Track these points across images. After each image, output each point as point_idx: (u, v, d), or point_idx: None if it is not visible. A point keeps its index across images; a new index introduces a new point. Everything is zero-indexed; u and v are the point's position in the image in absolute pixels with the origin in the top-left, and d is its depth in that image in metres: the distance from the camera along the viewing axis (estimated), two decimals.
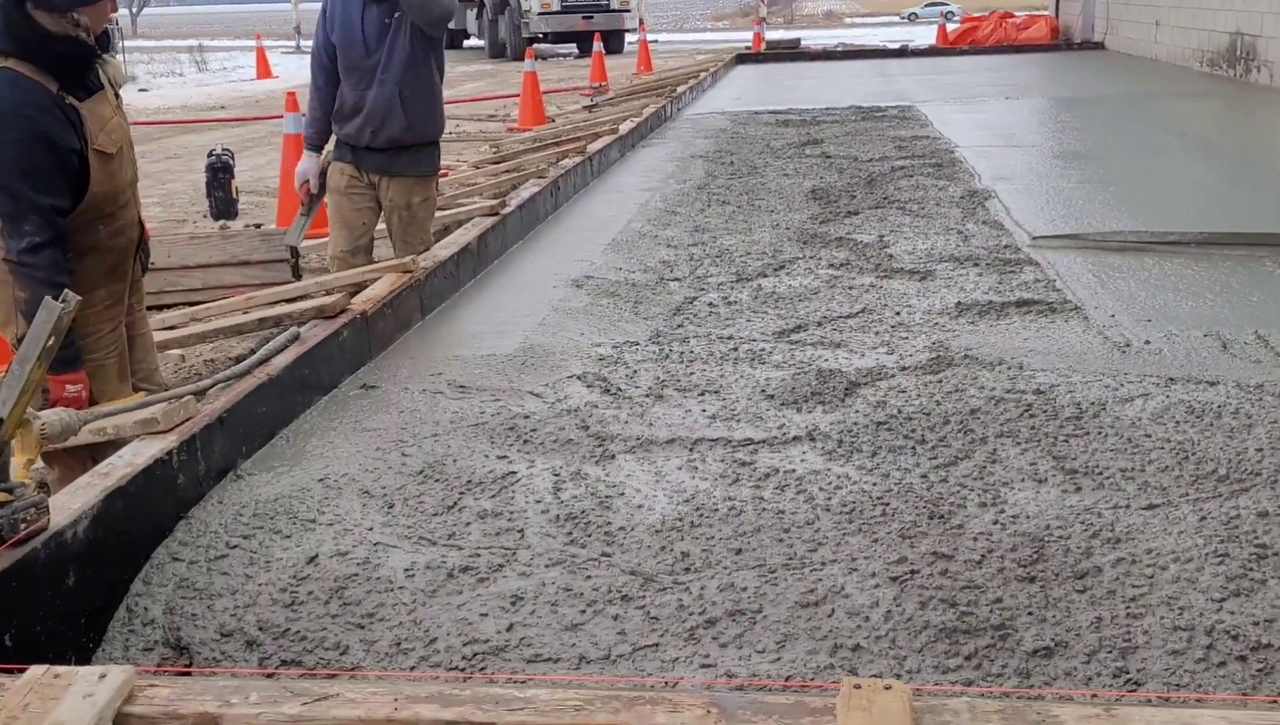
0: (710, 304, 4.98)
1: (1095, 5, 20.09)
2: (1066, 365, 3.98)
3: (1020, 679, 2.30)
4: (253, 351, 3.92)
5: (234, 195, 9.50)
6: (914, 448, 3.31)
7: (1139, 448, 3.24)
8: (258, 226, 8.28)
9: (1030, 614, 2.48)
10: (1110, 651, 2.36)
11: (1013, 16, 22.77)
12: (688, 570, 2.70)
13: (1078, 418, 3.46)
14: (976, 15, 23.98)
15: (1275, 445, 3.21)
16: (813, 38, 34.94)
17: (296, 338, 3.92)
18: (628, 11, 27.33)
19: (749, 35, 28.43)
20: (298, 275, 5.77)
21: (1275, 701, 2.12)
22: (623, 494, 3.09)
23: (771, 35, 29.27)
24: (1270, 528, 2.76)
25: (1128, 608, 2.49)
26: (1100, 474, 3.08)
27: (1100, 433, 3.35)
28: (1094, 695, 2.23)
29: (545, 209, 6.99)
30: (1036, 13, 23.64)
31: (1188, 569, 2.61)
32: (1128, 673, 2.30)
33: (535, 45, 27.01)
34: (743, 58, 20.76)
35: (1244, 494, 2.94)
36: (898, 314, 4.70)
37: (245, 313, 4.53)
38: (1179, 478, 3.05)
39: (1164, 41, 16.39)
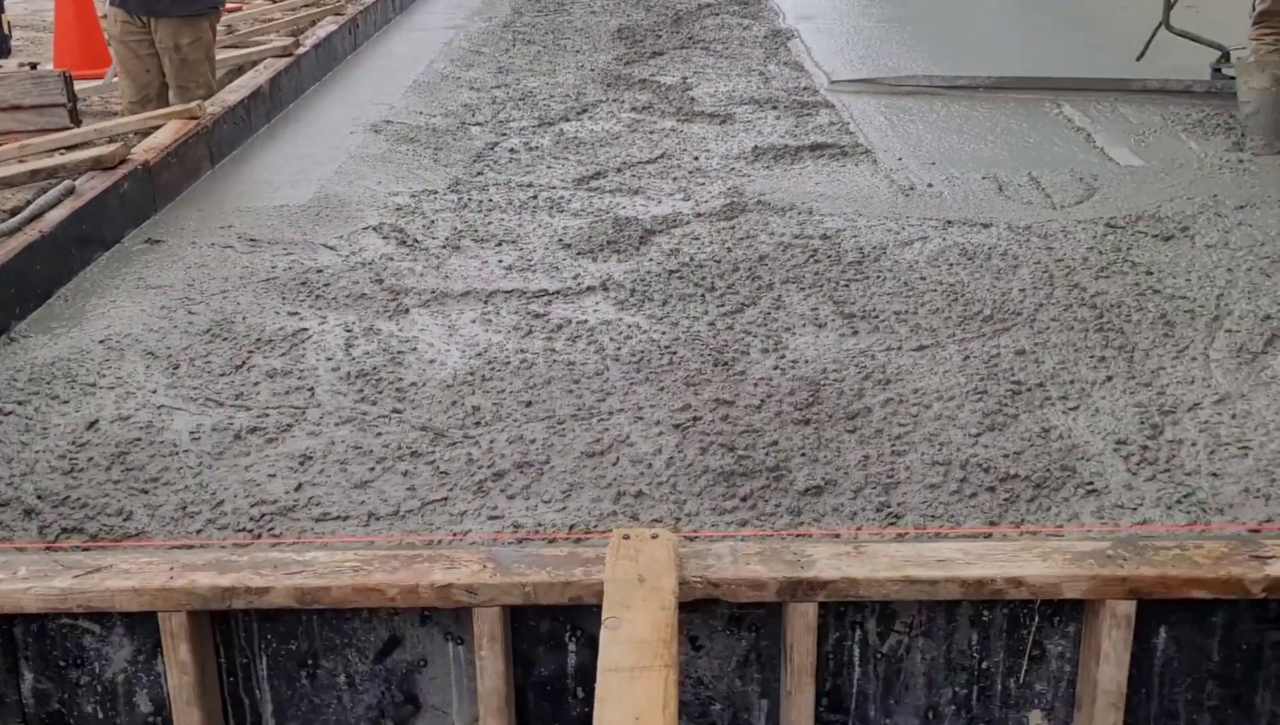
0: (511, 150, 4.94)
1: None
2: (854, 210, 4.11)
3: (791, 517, 2.43)
4: (27, 205, 3.75)
5: (5, 30, 8.86)
6: (703, 295, 3.40)
7: (914, 291, 3.39)
8: (32, 66, 7.77)
9: (804, 455, 2.62)
10: (875, 488, 2.51)
11: None
12: (478, 424, 2.75)
13: (859, 262, 3.59)
14: None
15: (1037, 285, 3.40)
16: None
17: (71, 191, 3.76)
18: None
19: None
20: (76, 121, 5.48)
21: (1011, 531, 2.30)
22: (415, 349, 3.10)
23: None
24: (1026, 365, 2.95)
25: (893, 445, 2.64)
26: (876, 317, 3.23)
27: (879, 277, 3.49)
28: (859, 530, 2.38)
29: (344, 48, 6.75)
30: None
31: (949, 407, 2.78)
32: (889, 507, 2.46)
33: None
34: None
35: (1005, 333, 3.12)
36: (696, 159, 4.75)
37: (19, 162, 4.30)
38: (948, 319, 3.21)
39: None
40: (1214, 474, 2.49)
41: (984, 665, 1.98)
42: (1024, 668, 1.96)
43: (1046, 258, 3.57)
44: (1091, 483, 2.48)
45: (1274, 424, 2.64)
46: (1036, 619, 1.92)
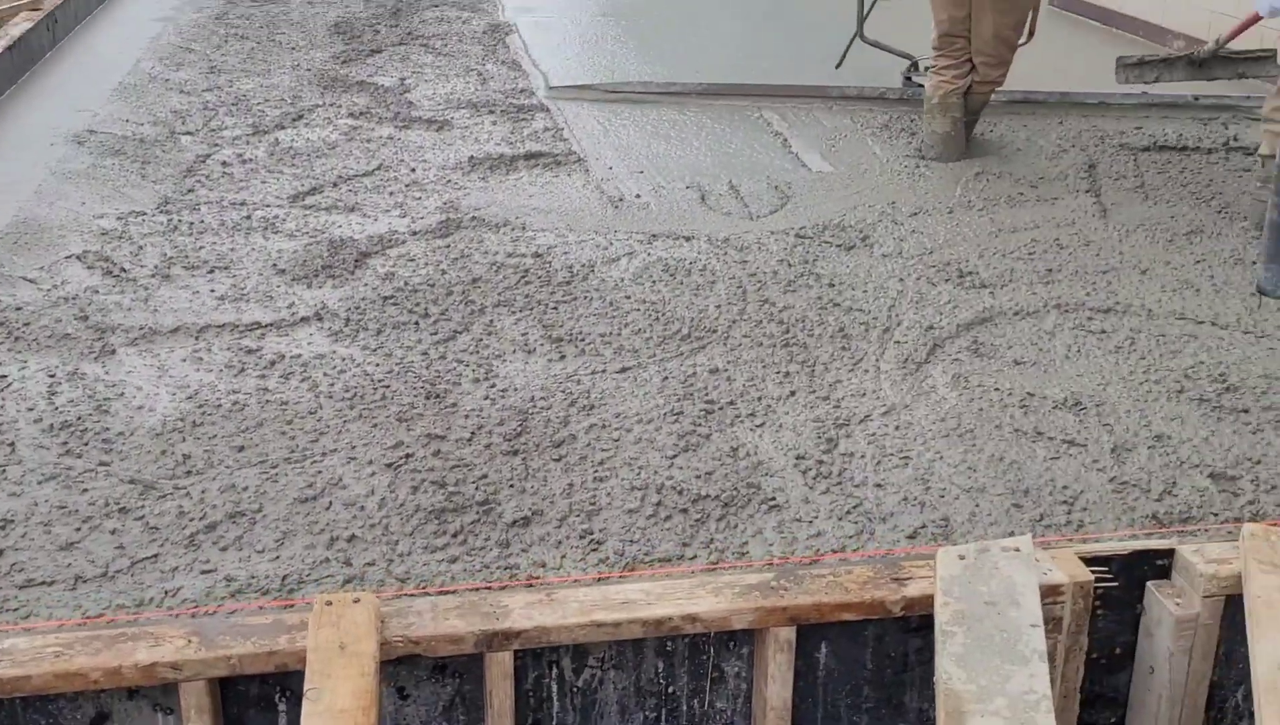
0: (224, 163, 4.87)
1: None
2: (565, 224, 4.27)
3: (501, 549, 2.57)
4: None
5: None
6: (418, 322, 3.49)
7: (619, 310, 3.58)
8: None
9: (512, 486, 2.76)
10: (579, 515, 2.68)
11: None
12: (189, 473, 2.77)
13: (568, 282, 3.76)
14: None
15: (732, 301, 3.64)
16: None
17: None
18: None
19: None
20: None
21: (705, 570, 2.51)
22: (123, 394, 3.08)
23: None
24: (719, 383, 3.18)
25: (595, 472, 2.81)
26: (583, 340, 3.40)
27: (587, 297, 3.66)
28: (563, 558, 2.54)
29: (41, 46, 6.44)
30: None
31: (648, 430, 2.98)
32: (592, 534, 2.63)
33: None
34: None
35: (701, 351, 3.34)
36: (413, 171, 4.81)
37: None
38: (649, 339, 3.41)
39: None
40: (878, 485, 2.77)
41: (671, 690, 2.18)
42: (706, 690, 2.17)
43: (741, 272, 3.82)
44: (774, 498, 2.72)
45: (931, 433, 2.95)
46: (713, 647, 2.13)
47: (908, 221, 4.25)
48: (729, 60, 6.52)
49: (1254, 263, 3.76)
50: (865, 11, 5.77)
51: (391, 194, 4.56)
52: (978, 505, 2.67)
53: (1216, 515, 2.64)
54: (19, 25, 6.37)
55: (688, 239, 4.13)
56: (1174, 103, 5.55)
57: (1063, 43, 6.82)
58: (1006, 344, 3.37)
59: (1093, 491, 2.71)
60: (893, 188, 4.62)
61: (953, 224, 4.25)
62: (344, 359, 3.28)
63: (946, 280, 3.76)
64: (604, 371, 3.24)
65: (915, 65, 5.59)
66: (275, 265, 3.89)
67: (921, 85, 5.22)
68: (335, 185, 4.65)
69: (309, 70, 6.27)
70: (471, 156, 4.97)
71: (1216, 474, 2.78)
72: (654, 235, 4.16)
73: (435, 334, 3.42)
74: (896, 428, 2.98)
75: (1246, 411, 3.01)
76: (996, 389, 3.12)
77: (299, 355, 3.30)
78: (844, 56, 5.93)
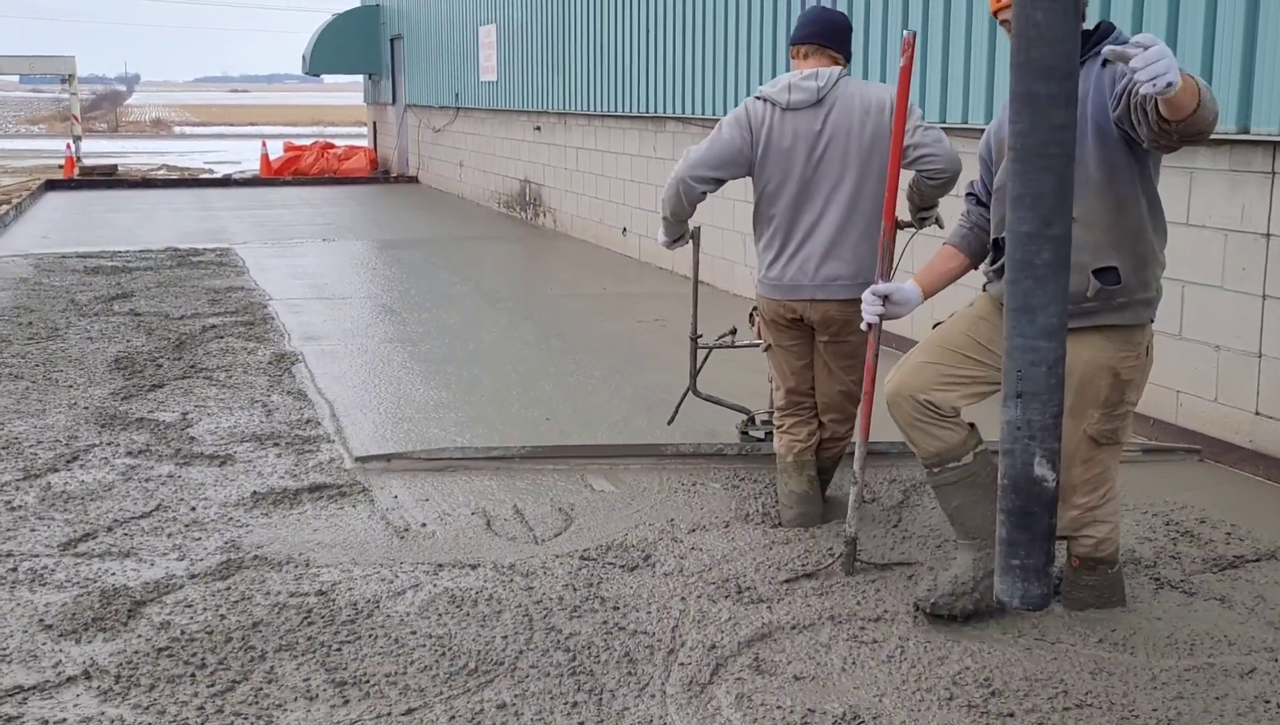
0: None
1: (408, 143, 21.41)
2: (350, 557, 4.26)
3: None
4: None
5: None
6: (194, 674, 3.38)
7: (404, 647, 3.55)
8: None
9: None
10: None
11: (334, 147, 23.58)
12: None
13: (353, 620, 3.72)
14: (300, 144, 24.52)
15: (519, 629, 3.67)
16: (138, 152, 33.79)
17: None
18: None
19: (65, 145, 26.88)
20: None
21: None
22: None
23: (92, 147, 27.95)
24: (507, 719, 3.15)
25: None
26: (367, 682, 3.34)
27: (372, 635, 3.63)
28: None
29: None
30: (356, 144, 24.67)
31: None
32: None
33: None
34: (54, 184, 19.63)
35: (489, 686, 3.33)
36: (193, 509, 4.75)
37: None
38: (435, 676, 3.38)
39: (468, 181, 17.83)
40: None
41: None
42: None
43: (527, 600, 3.87)
44: None
45: None
46: None
47: (687, 538, 4.39)
48: (535, 399, 6.71)
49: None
50: (698, 366, 5.49)
51: (170, 536, 4.48)
52: None
53: None
54: None
55: (474, 567, 4.16)
56: None
57: None
58: (786, 659, 3.47)
59: None
60: (670, 504, 4.79)
61: (729, 538, 4.42)
62: (112, 721, 3.14)
63: (726, 596, 3.88)
64: (389, 714, 3.18)
65: (752, 419, 5.36)
66: (42, 620, 3.73)
67: (759, 439, 5.18)
68: (110, 529, 4.54)
69: (86, 408, 6.19)
70: (255, 492, 4.94)
71: None
72: (440, 565, 4.19)
73: (212, 686, 3.32)
74: None
75: (1012, 715, 3.16)
76: (779, 707, 3.19)
77: (64, 719, 3.14)
78: (676, 412, 5.55)
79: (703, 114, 10.07)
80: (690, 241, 4.85)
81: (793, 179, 4.35)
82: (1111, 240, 3.49)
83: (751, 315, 4.82)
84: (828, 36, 4.40)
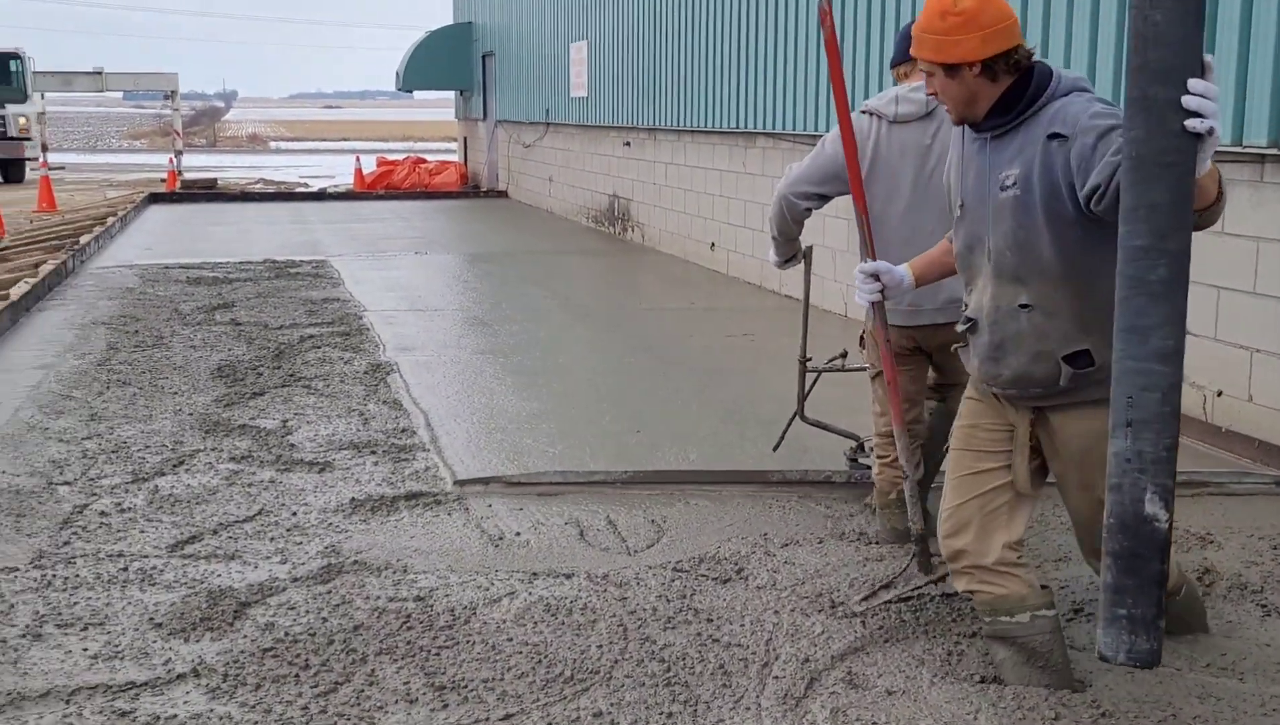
0: (102, 513, 4.86)
1: (498, 158, 21.66)
2: (446, 564, 4.33)
3: None
4: None
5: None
6: (298, 675, 3.47)
7: (501, 654, 3.61)
8: None
9: None
10: None
11: (425, 162, 23.94)
12: None
13: (450, 626, 3.79)
14: (392, 159, 24.93)
15: (614, 639, 3.70)
16: (235, 166, 34.58)
17: None
18: (28, 139, 25.60)
19: (167, 159, 27.66)
20: None
21: None
22: None
23: (191, 162, 28.69)
24: None
25: None
26: (465, 687, 3.40)
27: (469, 640, 3.69)
28: None
29: None
30: (447, 159, 25.02)
31: None
32: None
33: None
34: (157, 197, 20.17)
35: (584, 694, 3.37)
36: (294, 514, 4.86)
37: None
38: (532, 683, 3.43)
39: (556, 196, 17.99)
40: None
41: None
42: None
43: (621, 610, 3.90)
44: None
45: None
46: None
47: (780, 553, 4.40)
48: (627, 415, 6.75)
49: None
50: (806, 390, 5.20)
51: (272, 539, 4.59)
52: None
53: None
54: None
55: (568, 576, 4.21)
56: None
57: None
58: (878, 674, 3.47)
59: None
60: (764, 519, 4.80)
61: (823, 554, 4.41)
62: (220, 718, 3.23)
63: (819, 611, 3.88)
64: (487, 719, 3.23)
65: (861, 446, 5.16)
66: (152, 619, 3.85)
67: (868, 467, 4.91)
68: (215, 532, 4.67)
69: (191, 415, 6.36)
70: (353, 498, 5.04)
71: None
72: (534, 574, 4.24)
73: (315, 687, 3.40)
74: None
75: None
76: (873, 722, 3.19)
77: (174, 715, 3.25)
78: (782, 438, 5.29)
79: (794, 129, 10.07)
80: (802, 261, 4.73)
81: (902, 195, 4.24)
82: (1078, 326, 3.15)
83: (861, 338, 4.57)
84: None
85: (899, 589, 3.84)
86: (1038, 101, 3.12)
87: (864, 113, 4.33)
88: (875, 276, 3.60)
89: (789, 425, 5.25)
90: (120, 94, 53.10)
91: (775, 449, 5.30)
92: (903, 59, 4.30)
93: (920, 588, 3.85)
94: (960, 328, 3.41)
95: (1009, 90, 3.13)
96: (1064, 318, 3.15)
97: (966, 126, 3.29)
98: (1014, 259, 3.18)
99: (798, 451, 5.28)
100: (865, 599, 3.86)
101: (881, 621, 3.78)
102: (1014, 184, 3.13)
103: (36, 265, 11.23)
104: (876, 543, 4.50)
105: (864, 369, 4.61)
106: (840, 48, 3.77)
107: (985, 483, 3.36)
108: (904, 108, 4.23)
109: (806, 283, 5.03)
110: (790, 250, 4.61)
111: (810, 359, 5.11)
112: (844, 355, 5.22)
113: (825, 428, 5.24)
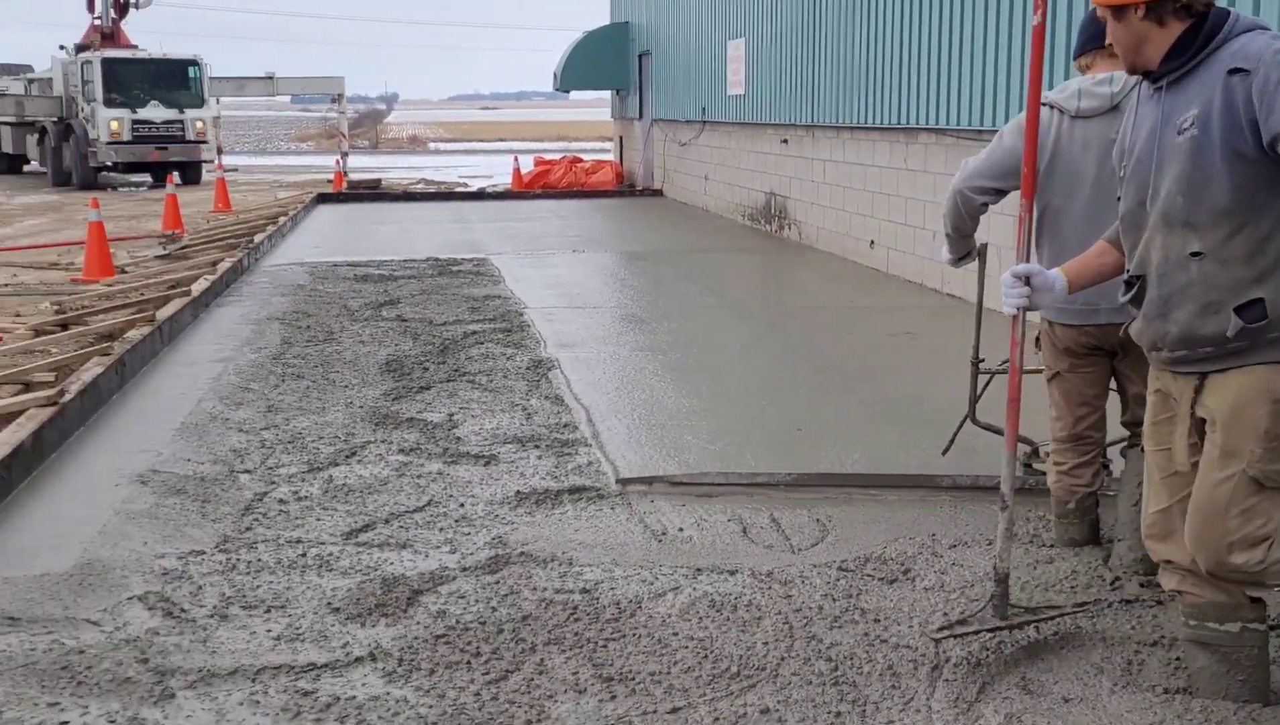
0: (280, 500, 5.05)
1: (654, 156, 21.77)
2: (610, 558, 4.37)
3: None
4: None
5: None
6: (469, 662, 3.55)
7: (667, 648, 3.63)
8: None
9: None
10: None
11: (581, 161, 24.21)
12: None
13: (617, 619, 3.82)
14: (549, 158, 25.27)
15: (780, 637, 3.69)
16: (396, 167, 35.50)
17: None
18: (205, 142, 26.72)
19: (334, 160, 28.58)
20: None
21: None
22: None
23: (355, 162, 29.57)
24: (771, 724, 3.19)
25: None
26: (633, 679, 3.43)
27: (635, 634, 3.72)
28: None
29: (109, 388, 6.78)
30: (602, 158, 25.25)
31: None
32: None
33: (105, 174, 25.90)
34: (324, 197, 20.84)
35: (751, 691, 3.37)
36: (462, 506, 4.97)
37: None
38: (698, 678, 3.44)
39: (712, 194, 18.00)
40: None
41: None
42: None
43: (786, 608, 3.89)
44: None
45: None
46: None
47: (948, 553, 4.33)
48: (783, 413, 6.71)
49: None
50: (979, 392, 5.00)
51: (441, 530, 4.70)
52: None
53: None
54: (90, 370, 6.74)
55: (731, 573, 4.21)
56: None
57: None
58: (1053, 680, 3.38)
59: None
60: (931, 519, 4.72)
61: (991, 556, 4.32)
62: (398, 701, 3.32)
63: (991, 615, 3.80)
64: (655, 712, 3.26)
65: (1036, 452, 5.01)
66: (330, 603, 3.98)
67: (1042, 473, 4.68)
68: (387, 522, 4.80)
69: (361, 407, 6.55)
70: (518, 491, 5.13)
71: None
72: (698, 569, 4.25)
73: (487, 674, 3.47)
74: None
75: None
76: None
77: (354, 697, 3.35)
78: (952, 442, 5.16)
79: (958, 125, 9.88)
80: (976, 260, 4.58)
81: (1083, 193, 4.06)
82: (1254, 273, 2.97)
83: (1038, 339, 4.34)
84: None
85: (974, 627, 3.57)
86: (1214, 40, 3.01)
87: (1045, 105, 4.12)
88: (1026, 280, 3.40)
89: (959, 428, 5.11)
90: (288, 98, 54.98)
91: (945, 453, 5.17)
92: (1085, 49, 4.15)
93: (994, 630, 3.56)
94: (1122, 298, 3.26)
95: (1183, 35, 3.04)
96: (1237, 264, 2.98)
97: (1141, 90, 3.22)
98: (1186, 204, 3.02)
99: (965, 453, 5.16)
100: (940, 630, 3.58)
101: (1056, 627, 3.69)
102: (1191, 125, 3.00)
103: (214, 263, 11.71)
104: (1050, 545, 4.39)
105: (1039, 371, 4.44)
106: (1042, 41, 3.62)
107: (1189, 483, 3.18)
108: (1087, 102, 4.06)
109: (980, 281, 4.84)
110: (964, 247, 4.48)
111: (983, 360, 4.93)
112: None
113: (997, 431, 4.96)
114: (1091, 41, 4.09)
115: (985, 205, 4.24)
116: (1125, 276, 3.26)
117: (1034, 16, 3.47)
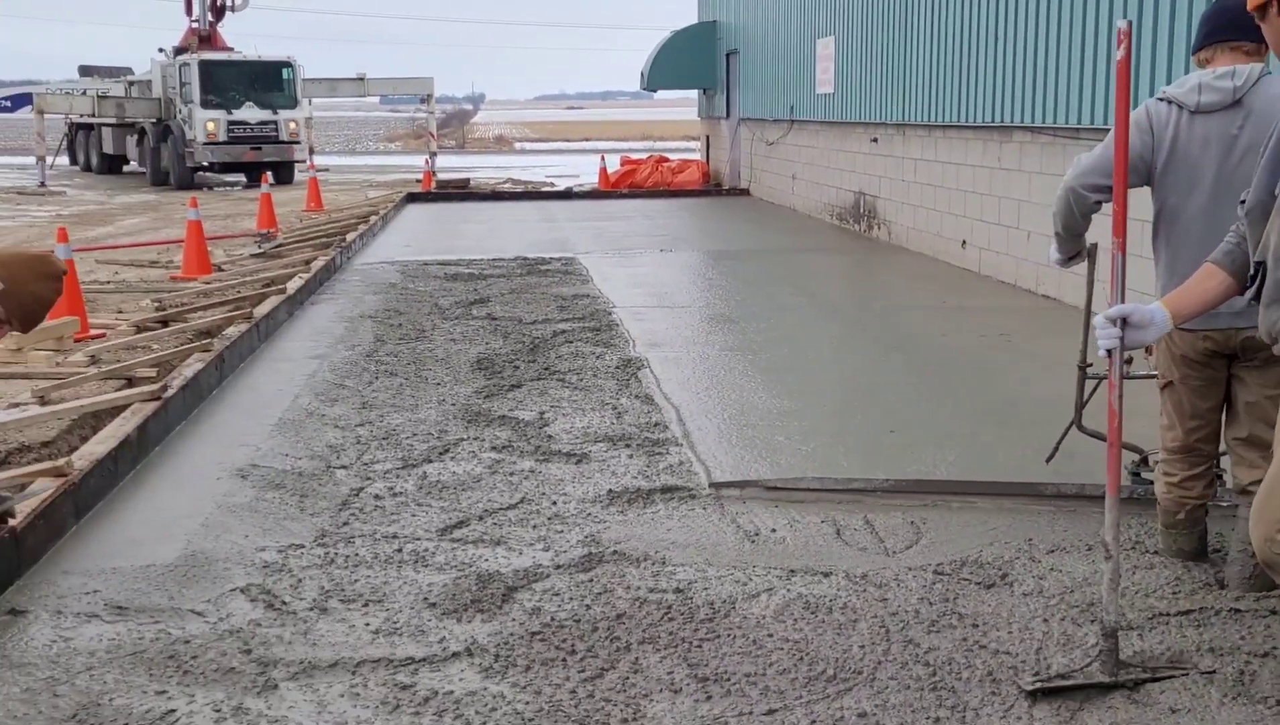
0: (376, 496, 5.12)
1: (740, 156, 21.70)
2: (703, 558, 4.37)
3: None
4: None
5: None
6: (564, 659, 3.57)
7: (763, 649, 3.61)
8: None
9: None
10: None
11: (668, 160, 24.22)
12: None
13: (711, 619, 3.82)
14: (635, 158, 25.31)
15: (876, 640, 3.66)
16: (484, 166, 35.79)
17: None
18: (297, 143, 27.20)
19: (422, 160, 28.91)
20: None
21: None
22: None
23: (442, 162, 29.89)
24: None
25: None
26: (728, 680, 3.42)
27: (730, 634, 3.71)
28: None
29: (209, 384, 6.93)
30: (688, 158, 25.24)
31: None
32: None
33: (201, 173, 26.48)
34: (414, 196, 21.08)
35: (848, 694, 3.34)
36: (554, 504, 4.99)
37: None
38: (794, 680, 3.43)
39: (799, 194, 17.90)
40: None
41: None
42: None
43: (882, 610, 3.85)
44: None
45: None
46: None
47: (1045, 559, 4.25)
48: (881, 416, 6.64)
49: None
50: (1085, 398, 4.83)
51: (534, 527, 4.73)
52: None
53: None
54: (191, 366, 6.89)
55: (825, 575, 4.18)
56: None
57: None
58: (1160, 690, 3.31)
59: None
60: (1028, 524, 4.64)
61: (1091, 561, 4.24)
62: (495, 696, 3.35)
63: (1092, 621, 3.73)
64: (751, 713, 3.25)
65: (1144, 460, 4.82)
66: (426, 599, 4.03)
67: (1151, 482, 4.51)
68: (481, 518, 4.84)
69: (454, 405, 6.61)
70: (610, 490, 5.14)
71: None
72: (792, 570, 4.23)
73: (582, 672, 3.49)
74: None
75: None
76: None
77: (451, 691, 3.38)
78: (1056, 449, 5.02)
79: (1054, 122, 9.71)
80: (1086, 260, 4.44)
81: (1202, 191, 3.91)
82: None
83: (1149, 346, 4.13)
84: (1233, 29, 3.82)
85: (1075, 680, 3.34)
86: None
87: (1162, 100, 4.00)
88: (1122, 321, 3.25)
89: (1064, 434, 4.97)
90: (378, 99, 55.75)
91: (1049, 461, 5.03)
92: (1205, 43, 3.99)
93: (1098, 684, 3.33)
94: (1247, 295, 3.15)
95: None
96: None
97: None
98: None
99: (1064, 457, 5.06)
100: (1035, 679, 3.35)
101: (1162, 636, 3.61)
102: None
103: (308, 261, 11.91)
104: (1154, 552, 4.29)
105: (1151, 377, 4.28)
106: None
107: None
108: (1207, 96, 3.89)
109: (1089, 283, 4.70)
110: (1074, 247, 4.33)
111: (1090, 365, 4.71)
112: (1129, 361, 4.88)
113: (1104, 438, 4.80)
114: (1211, 36, 3.93)
115: (1098, 203, 4.10)
116: (1250, 263, 3.14)
117: (1118, 51, 3.31)
